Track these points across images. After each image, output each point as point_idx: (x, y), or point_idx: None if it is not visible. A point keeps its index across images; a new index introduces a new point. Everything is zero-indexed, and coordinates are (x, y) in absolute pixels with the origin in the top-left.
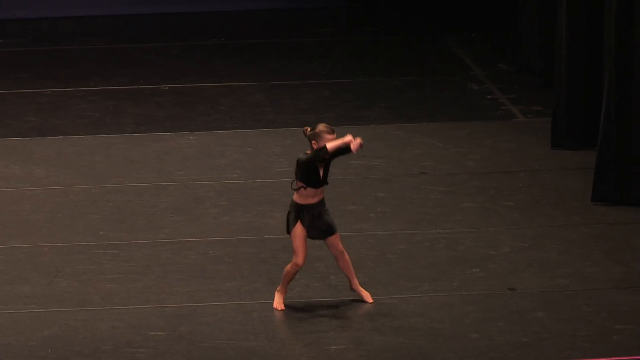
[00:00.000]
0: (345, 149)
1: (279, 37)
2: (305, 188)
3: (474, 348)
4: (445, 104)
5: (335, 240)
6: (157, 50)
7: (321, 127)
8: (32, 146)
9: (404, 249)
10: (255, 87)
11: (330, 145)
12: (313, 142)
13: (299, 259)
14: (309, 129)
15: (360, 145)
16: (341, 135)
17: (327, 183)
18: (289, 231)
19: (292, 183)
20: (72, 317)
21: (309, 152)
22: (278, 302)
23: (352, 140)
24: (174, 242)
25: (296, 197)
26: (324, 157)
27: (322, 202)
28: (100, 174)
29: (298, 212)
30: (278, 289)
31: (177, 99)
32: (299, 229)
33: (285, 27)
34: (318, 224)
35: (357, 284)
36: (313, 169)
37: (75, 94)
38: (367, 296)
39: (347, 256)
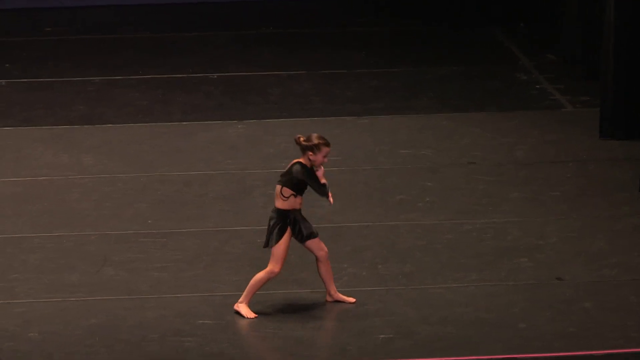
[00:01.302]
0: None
1: (328, 26)
2: (295, 196)
3: (521, 337)
4: (493, 94)
5: (318, 242)
6: (206, 39)
7: (316, 139)
8: (80, 134)
9: (452, 238)
10: (304, 76)
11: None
12: (310, 152)
13: (277, 267)
14: (302, 138)
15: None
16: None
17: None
18: (269, 244)
19: (281, 190)
20: (120, 306)
21: (301, 160)
22: (248, 312)
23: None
24: (222, 231)
25: (281, 205)
26: (323, 193)
27: (297, 211)
28: (148, 162)
29: (285, 219)
30: (241, 300)
31: (225, 88)
32: (286, 238)
33: (334, 16)
34: (305, 226)
35: (335, 290)
36: (304, 182)
37: (123, 83)
38: (348, 299)
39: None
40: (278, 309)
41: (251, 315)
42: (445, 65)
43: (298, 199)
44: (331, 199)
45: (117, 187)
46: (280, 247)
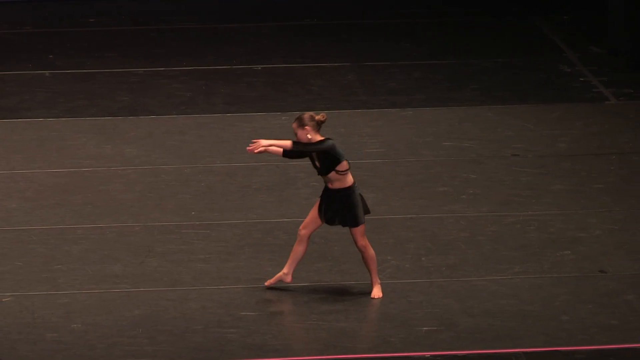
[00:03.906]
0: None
1: (370, 17)
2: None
3: (563, 330)
4: (537, 86)
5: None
6: (248, 30)
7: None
8: (123, 125)
9: (495, 230)
10: (347, 68)
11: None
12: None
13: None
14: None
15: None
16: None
17: (324, 174)
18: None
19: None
20: (163, 297)
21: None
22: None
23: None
24: (265, 222)
25: (348, 180)
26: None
27: (333, 190)
28: (192, 153)
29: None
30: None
31: (268, 79)
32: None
33: (376, 7)
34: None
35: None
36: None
37: (167, 74)
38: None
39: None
40: (321, 300)
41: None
42: (489, 57)
43: (326, 177)
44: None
45: (161, 179)
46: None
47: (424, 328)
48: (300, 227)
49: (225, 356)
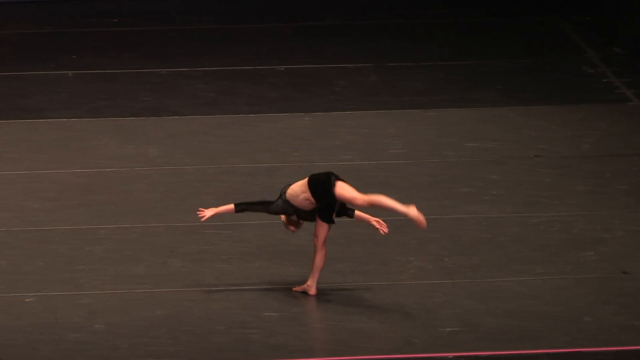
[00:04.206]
0: None
1: (393, 18)
2: None
3: (586, 331)
4: (559, 87)
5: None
6: (271, 31)
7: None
8: (145, 126)
9: (518, 231)
10: (369, 69)
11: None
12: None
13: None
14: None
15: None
16: None
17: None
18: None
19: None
20: (186, 298)
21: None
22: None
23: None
24: None
25: None
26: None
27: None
28: (214, 154)
29: None
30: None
31: (291, 80)
32: None
33: (399, 8)
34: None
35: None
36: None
37: (190, 74)
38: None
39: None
40: (343, 301)
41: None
42: (511, 57)
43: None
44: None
45: (183, 179)
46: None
47: (447, 329)
48: (313, 237)
49: (247, 357)
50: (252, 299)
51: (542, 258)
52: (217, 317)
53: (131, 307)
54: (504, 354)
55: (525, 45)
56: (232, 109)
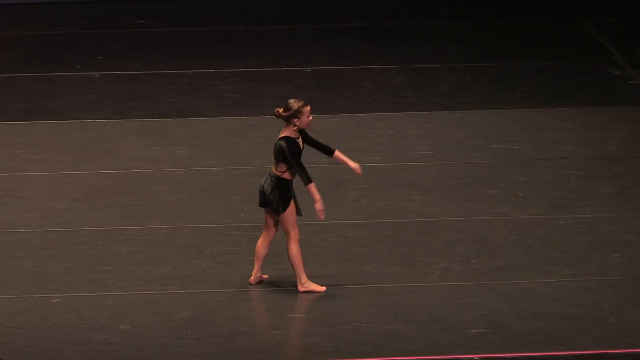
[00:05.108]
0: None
1: (420, 20)
2: (290, 168)
3: (612, 333)
4: (586, 89)
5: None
6: (297, 32)
7: (295, 103)
8: (172, 127)
9: (544, 233)
10: (396, 70)
11: (311, 190)
12: (295, 120)
13: (296, 231)
14: (281, 110)
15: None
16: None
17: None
18: (283, 211)
19: (276, 166)
20: (211, 299)
21: (287, 133)
22: (317, 286)
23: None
24: (313, 225)
25: (286, 175)
26: (305, 179)
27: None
28: (240, 155)
29: (288, 189)
30: (303, 282)
31: (317, 81)
32: (292, 206)
33: (426, 9)
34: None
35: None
36: None
37: (216, 75)
38: (319, 288)
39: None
40: (369, 302)
41: (321, 288)
42: (537, 59)
43: (293, 170)
44: (320, 214)
45: (210, 180)
46: (290, 215)
47: (473, 330)
48: (298, 233)
49: (273, 358)
50: (277, 300)
51: (568, 260)
52: (243, 318)
53: (157, 308)
54: (530, 356)
55: (551, 47)
56: (257, 110)
